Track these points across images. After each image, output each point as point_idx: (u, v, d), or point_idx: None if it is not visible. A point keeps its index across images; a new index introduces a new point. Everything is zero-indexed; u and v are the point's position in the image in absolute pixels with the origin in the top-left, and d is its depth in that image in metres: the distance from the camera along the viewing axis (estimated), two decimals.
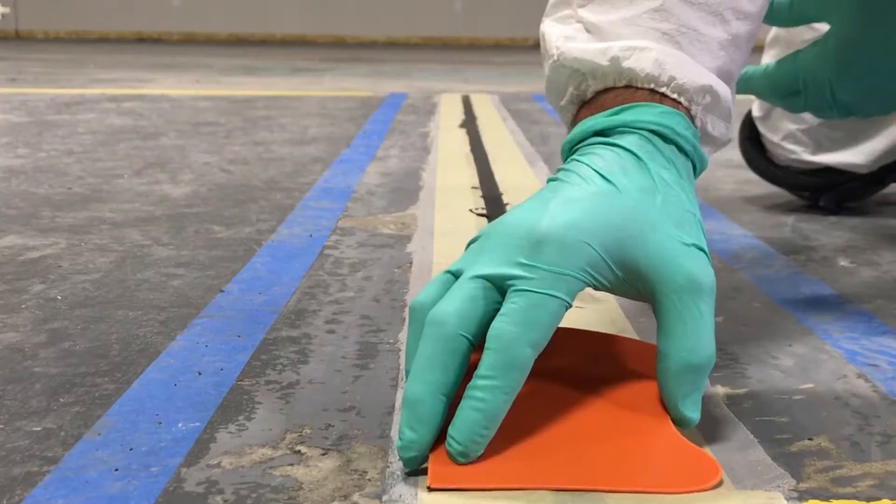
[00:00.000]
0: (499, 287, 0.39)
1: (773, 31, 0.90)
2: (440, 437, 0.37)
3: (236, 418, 0.43)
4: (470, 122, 1.71)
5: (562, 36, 0.47)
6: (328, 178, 1.10)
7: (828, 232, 0.85)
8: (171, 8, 7.22)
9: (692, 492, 0.36)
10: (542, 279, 0.38)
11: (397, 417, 0.44)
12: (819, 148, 0.90)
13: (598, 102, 0.46)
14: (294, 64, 3.79)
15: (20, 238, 0.79)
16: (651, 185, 0.41)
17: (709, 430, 0.43)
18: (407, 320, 0.57)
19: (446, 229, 0.83)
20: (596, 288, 0.40)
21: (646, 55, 0.44)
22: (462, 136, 1.51)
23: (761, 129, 0.95)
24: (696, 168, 0.46)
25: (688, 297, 0.40)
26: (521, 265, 0.38)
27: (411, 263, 0.72)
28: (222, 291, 0.64)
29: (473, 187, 1.04)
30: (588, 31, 0.46)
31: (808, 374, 0.50)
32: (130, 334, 0.55)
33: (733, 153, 1.34)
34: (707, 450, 0.40)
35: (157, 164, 1.20)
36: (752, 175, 1.16)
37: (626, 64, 0.44)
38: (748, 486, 0.37)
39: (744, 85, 0.59)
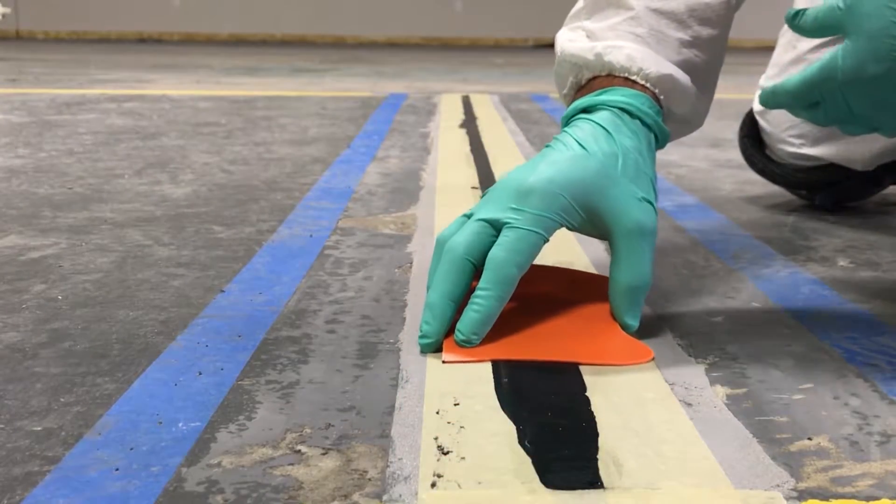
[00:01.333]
0: (496, 226, 0.53)
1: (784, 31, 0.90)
2: (450, 331, 0.52)
3: (237, 418, 0.43)
4: (470, 122, 1.71)
5: (566, 39, 0.61)
6: (328, 179, 1.10)
7: (828, 232, 0.85)
8: (172, 8, 7.22)
9: (630, 364, 0.50)
10: (527, 220, 0.52)
11: (397, 417, 0.44)
12: (817, 141, 0.89)
13: (587, 87, 0.60)
14: (294, 64, 3.79)
15: (21, 238, 0.79)
16: (615, 150, 0.54)
17: (709, 429, 0.43)
18: (406, 320, 0.58)
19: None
20: (568, 228, 0.54)
21: (621, 52, 0.58)
22: (462, 136, 1.51)
23: (762, 122, 0.95)
24: (658, 138, 0.58)
25: (634, 238, 0.53)
26: (513, 209, 0.52)
27: (411, 263, 0.72)
28: (223, 291, 0.64)
29: (473, 187, 1.04)
30: (588, 36, 0.60)
31: (808, 373, 0.50)
32: (131, 334, 0.55)
33: (733, 153, 1.34)
34: (707, 449, 0.41)
35: (157, 165, 1.20)
36: (752, 175, 1.17)
37: (606, 58, 0.58)
38: (748, 485, 0.37)
39: (771, 99, 0.62)
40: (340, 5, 7.23)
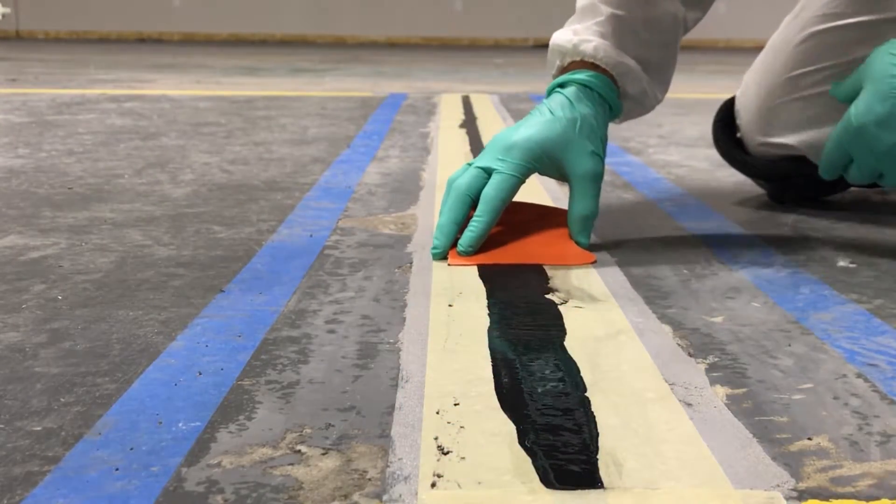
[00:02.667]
0: (488, 171, 0.72)
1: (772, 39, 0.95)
2: (454, 245, 0.71)
3: (236, 418, 0.43)
4: (470, 122, 1.71)
5: (558, 35, 0.80)
6: (328, 178, 1.10)
7: (828, 232, 0.85)
8: (172, 8, 7.22)
9: (579, 263, 0.70)
10: (509, 167, 0.72)
11: (397, 417, 0.44)
12: (787, 129, 0.91)
13: (567, 68, 0.78)
14: (294, 64, 3.79)
15: (21, 238, 0.79)
16: (575, 116, 0.74)
17: (709, 429, 0.43)
18: (406, 320, 0.58)
19: None
20: (539, 173, 0.74)
21: (590, 44, 0.77)
22: (462, 136, 1.51)
23: (738, 108, 0.96)
24: (612, 109, 0.78)
25: (586, 181, 0.73)
26: (499, 160, 0.72)
27: (411, 263, 0.72)
28: (222, 291, 0.64)
29: None
30: (573, 32, 0.79)
31: (808, 373, 0.50)
32: (131, 334, 0.55)
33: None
34: (707, 449, 0.41)
35: (157, 165, 1.20)
36: None
37: (580, 48, 0.77)
38: (748, 485, 0.37)
39: (827, 172, 0.78)
40: (340, 5, 7.23)
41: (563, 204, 0.79)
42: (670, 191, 1.06)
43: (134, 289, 0.65)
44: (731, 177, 1.15)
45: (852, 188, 0.97)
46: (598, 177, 0.74)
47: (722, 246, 0.79)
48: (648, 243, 0.80)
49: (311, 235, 0.81)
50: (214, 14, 7.18)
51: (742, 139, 0.97)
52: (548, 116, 0.73)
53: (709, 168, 1.23)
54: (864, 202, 0.99)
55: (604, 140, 0.75)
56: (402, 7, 7.23)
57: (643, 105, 0.81)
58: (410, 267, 0.71)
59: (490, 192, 0.71)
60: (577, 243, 0.74)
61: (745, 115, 0.95)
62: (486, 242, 0.72)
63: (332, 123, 1.69)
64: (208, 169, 1.17)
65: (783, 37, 0.93)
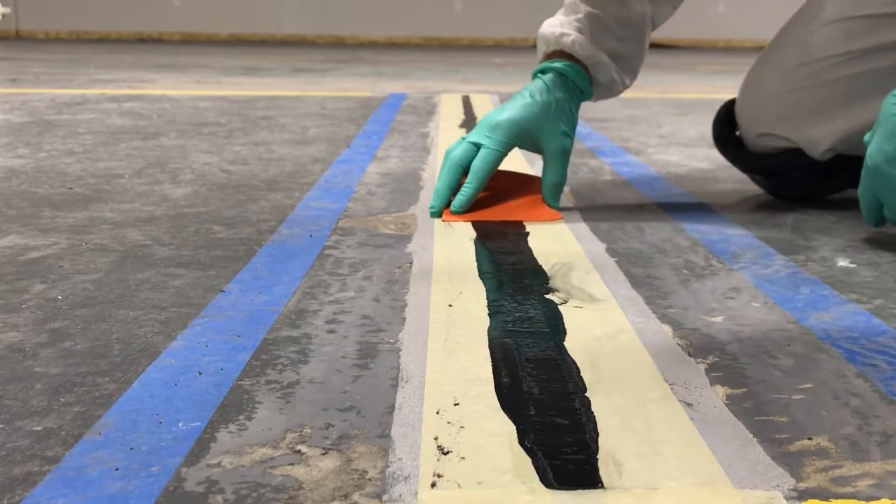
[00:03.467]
0: (477, 146, 0.87)
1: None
2: (447, 206, 0.87)
3: (237, 418, 0.43)
4: (470, 123, 1.71)
5: (545, 24, 0.93)
6: (328, 178, 1.10)
7: (828, 232, 0.85)
8: (172, 8, 7.22)
9: (548, 220, 0.85)
10: (494, 143, 0.86)
11: (397, 417, 0.44)
12: (781, 120, 0.94)
13: (549, 56, 0.92)
14: (294, 64, 3.79)
15: (21, 238, 0.79)
16: (550, 101, 0.88)
17: (709, 429, 0.43)
18: (406, 320, 0.57)
19: (446, 229, 0.83)
20: (519, 147, 0.88)
21: (568, 37, 0.90)
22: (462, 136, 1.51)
23: (738, 102, 0.99)
24: (584, 93, 0.91)
25: (557, 155, 0.88)
26: (486, 136, 0.87)
27: (411, 263, 0.72)
28: (222, 291, 0.64)
29: None
30: (559, 25, 0.91)
31: (808, 373, 0.50)
32: (131, 334, 0.55)
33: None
34: (707, 449, 0.41)
35: (157, 165, 1.20)
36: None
37: (560, 40, 0.90)
38: (748, 485, 0.37)
39: (865, 218, 0.79)
40: (340, 5, 7.23)
41: (539, 172, 0.93)
42: (670, 191, 1.06)
43: (134, 289, 0.65)
44: (730, 177, 1.15)
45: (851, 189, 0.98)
46: (567, 152, 0.89)
47: (722, 246, 0.79)
48: (648, 243, 0.80)
49: (311, 235, 0.81)
50: (214, 14, 7.18)
51: (742, 136, 0.99)
52: (528, 100, 0.88)
53: (709, 168, 1.23)
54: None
55: (574, 120, 0.91)
56: (402, 7, 7.23)
57: (612, 90, 0.94)
58: (410, 267, 0.71)
59: (478, 163, 0.86)
60: (548, 205, 0.89)
61: (745, 109, 0.98)
62: (475, 204, 0.87)
63: (332, 123, 1.69)
64: (208, 169, 1.17)
65: (785, 33, 0.97)
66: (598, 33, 0.90)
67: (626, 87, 0.94)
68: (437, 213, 0.87)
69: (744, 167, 1.00)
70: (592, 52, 0.89)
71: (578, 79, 0.89)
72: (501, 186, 0.90)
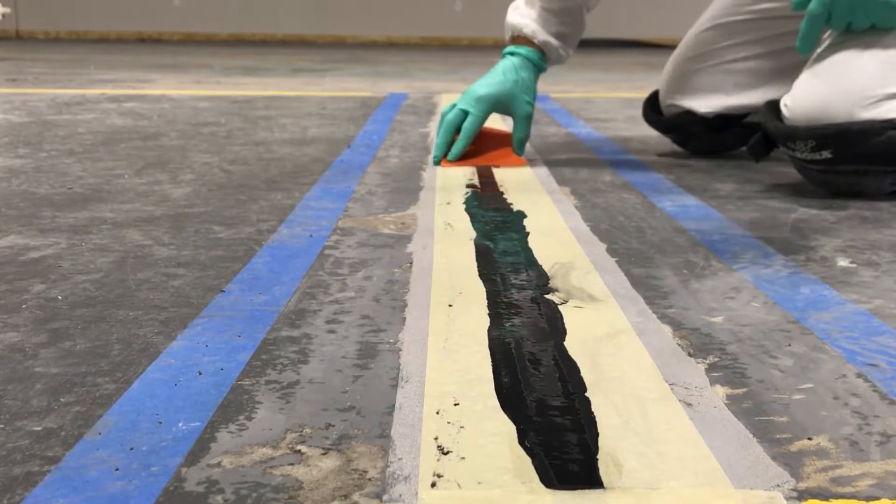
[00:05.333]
0: (465, 112, 1.20)
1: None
2: (444, 156, 1.21)
3: (236, 418, 0.43)
4: None
5: (513, 9, 1.24)
6: (328, 178, 1.10)
7: (828, 232, 0.85)
8: (172, 8, 7.22)
9: (515, 165, 1.20)
10: (478, 110, 1.20)
11: (397, 417, 0.44)
12: (681, 91, 1.32)
13: (515, 40, 1.23)
14: (294, 64, 3.79)
15: (21, 238, 0.79)
16: (517, 78, 1.21)
17: (709, 429, 0.43)
18: (406, 320, 0.58)
19: (446, 229, 0.83)
20: (497, 112, 1.21)
21: (529, 28, 1.21)
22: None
23: (659, 85, 1.37)
24: (541, 69, 1.23)
25: (523, 118, 1.21)
26: (471, 105, 1.20)
27: (411, 263, 0.72)
28: (222, 291, 0.64)
29: (473, 187, 1.04)
30: (520, 15, 1.22)
31: (808, 373, 0.50)
32: (131, 334, 0.55)
33: (733, 153, 1.34)
34: (707, 449, 0.41)
35: (157, 164, 1.20)
36: (752, 175, 1.17)
37: (522, 31, 1.21)
38: (748, 485, 0.37)
39: (799, 41, 1.03)
40: (340, 5, 7.23)
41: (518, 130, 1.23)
42: (670, 190, 1.06)
43: (134, 289, 0.65)
44: (730, 177, 1.15)
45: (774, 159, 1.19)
46: (530, 116, 1.22)
47: (722, 246, 0.79)
48: (648, 243, 0.80)
49: (311, 235, 0.81)
50: (214, 14, 7.17)
51: (661, 108, 1.37)
52: (501, 77, 1.21)
53: (709, 168, 1.23)
54: (864, 202, 0.99)
55: (535, 91, 1.24)
56: (402, 7, 7.23)
57: (560, 62, 1.27)
58: (410, 267, 0.71)
59: (467, 126, 1.20)
60: (517, 154, 1.23)
61: (661, 88, 1.36)
62: (465, 154, 1.21)
63: (332, 123, 1.69)
64: (208, 169, 1.17)
65: (686, 36, 1.34)
66: (549, 23, 1.22)
67: (569, 56, 1.27)
68: (437, 162, 1.21)
69: (660, 129, 1.38)
70: (546, 39, 1.22)
71: (537, 60, 1.23)
72: (484, 141, 1.24)
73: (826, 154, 0.97)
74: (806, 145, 0.97)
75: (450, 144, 1.21)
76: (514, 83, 1.20)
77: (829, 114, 0.96)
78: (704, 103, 1.29)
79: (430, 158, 1.24)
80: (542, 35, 1.21)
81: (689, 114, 1.30)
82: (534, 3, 1.22)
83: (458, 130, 1.20)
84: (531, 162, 1.24)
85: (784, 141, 1.00)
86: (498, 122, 1.48)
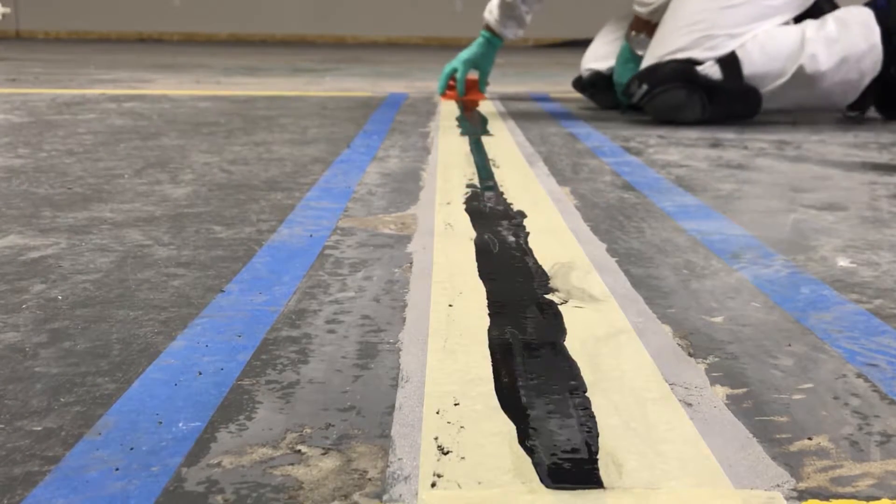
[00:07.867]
0: (456, 68, 2.22)
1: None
2: (443, 94, 2.27)
3: (237, 418, 0.43)
4: None
5: (487, 7, 2.14)
6: (328, 178, 1.10)
7: (828, 232, 0.85)
8: (172, 8, 7.22)
9: (480, 100, 2.24)
10: (463, 68, 2.19)
11: (397, 417, 0.44)
12: (594, 60, 2.09)
13: (486, 27, 2.16)
14: (294, 64, 3.79)
15: (21, 238, 0.79)
16: (485, 52, 2.17)
17: (709, 429, 0.43)
18: (406, 320, 0.58)
19: (446, 229, 0.83)
20: (474, 68, 2.20)
21: (494, 16, 2.11)
22: (462, 136, 1.51)
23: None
24: (497, 45, 2.17)
25: (485, 74, 2.23)
26: (462, 64, 2.19)
27: (411, 263, 0.72)
28: (222, 291, 0.64)
29: (473, 187, 1.04)
30: (489, 11, 2.13)
31: (808, 373, 0.50)
32: (131, 334, 0.55)
33: (733, 153, 1.34)
34: (707, 449, 0.41)
35: (157, 164, 1.20)
36: (752, 175, 1.17)
37: (490, 24, 2.13)
38: (748, 485, 0.37)
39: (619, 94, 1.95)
40: (340, 5, 7.23)
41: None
42: (670, 191, 1.06)
43: (134, 289, 0.65)
44: (730, 177, 1.15)
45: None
46: (488, 73, 2.17)
47: (722, 246, 0.79)
48: (648, 243, 0.80)
49: (311, 235, 0.81)
50: (214, 14, 7.18)
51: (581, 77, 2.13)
52: (475, 49, 2.12)
53: (709, 168, 1.23)
54: (864, 202, 0.99)
55: (493, 57, 2.15)
56: (402, 7, 7.23)
57: (515, 38, 2.11)
58: (410, 267, 0.71)
59: (458, 76, 2.13)
60: (480, 92, 2.19)
61: (583, 60, 2.08)
62: (454, 97, 2.12)
63: (332, 123, 1.69)
64: (208, 169, 1.17)
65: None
66: (503, 16, 2.05)
67: (518, 36, 2.14)
68: (442, 93, 2.19)
69: (579, 89, 2.09)
70: (502, 31, 2.08)
71: (497, 42, 2.11)
72: (468, 87, 2.16)
73: (644, 86, 1.70)
74: (638, 87, 1.71)
75: (445, 87, 2.18)
76: (482, 55, 2.13)
77: (646, 64, 1.75)
78: (604, 65, 2.03)
79: (430, 158, 1.23)
80: (497, 25, 2.07)
81: (599, 74, 2.03)
82: (496, 2, 2.05)
83: (452, 78, 2.17)
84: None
85: (625, 91, 1.77)
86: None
